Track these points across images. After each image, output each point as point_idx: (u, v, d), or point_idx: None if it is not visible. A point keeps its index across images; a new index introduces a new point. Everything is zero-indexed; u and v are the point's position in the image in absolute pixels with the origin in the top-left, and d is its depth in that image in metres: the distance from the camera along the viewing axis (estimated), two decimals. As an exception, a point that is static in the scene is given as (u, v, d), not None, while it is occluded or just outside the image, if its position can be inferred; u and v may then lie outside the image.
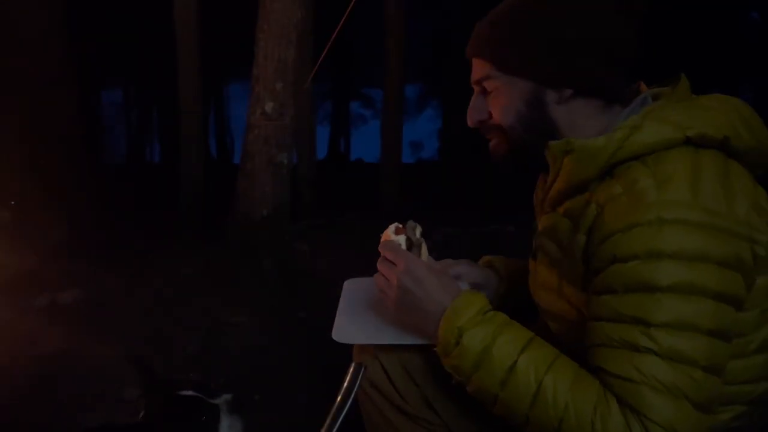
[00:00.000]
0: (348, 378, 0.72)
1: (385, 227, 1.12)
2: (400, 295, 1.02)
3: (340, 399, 0.71)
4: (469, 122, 1.09)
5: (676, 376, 0.80)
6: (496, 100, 1.03)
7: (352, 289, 1.37)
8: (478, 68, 1.05)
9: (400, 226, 1.12)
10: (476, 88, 1.07)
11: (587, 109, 1.01)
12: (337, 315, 1.23)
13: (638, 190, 0.86)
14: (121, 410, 2.15)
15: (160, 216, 6.21)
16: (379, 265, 1.07)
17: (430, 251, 1.13)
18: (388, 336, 1.12)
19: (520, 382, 0.88)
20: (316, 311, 3.21)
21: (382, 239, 1.10)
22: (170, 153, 13.87)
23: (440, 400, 1.11)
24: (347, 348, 1.14)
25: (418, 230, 1.11)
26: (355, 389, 0.71)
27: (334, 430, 0.68)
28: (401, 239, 1.09)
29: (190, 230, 5.31)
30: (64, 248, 4.36)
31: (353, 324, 1.18)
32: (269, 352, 2.76)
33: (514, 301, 1.28)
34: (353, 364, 0.74)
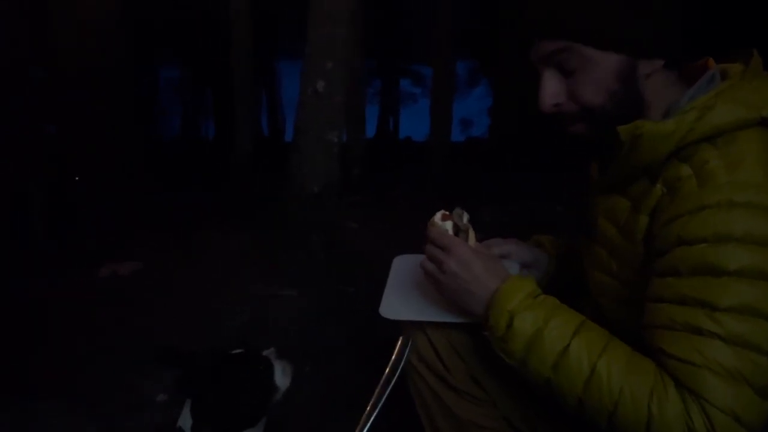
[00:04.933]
0: (396, 351, 0.74)
1: (434, 205, 1.13)
2: (447, 279, 1.02)
3: (388, 372, 0.73)
4: (544, 108, 0.99)
5: (739, 361, 0.79)
6: (583, 78, 0.94)
7: (400, 265, 1.38)
8: (551, 45, 0.95)
9: (447, 213, 1.11)
10: (545, 68, 0.98)
11: (667, 81, 0.97)
12: (385, 291, 1.24)
13: (708, 172, 0.85)
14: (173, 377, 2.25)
15: (213, 191, 6.38)
16: (426, 250, 1.07)
17: (479, 231, 1.12)
18: (435, 313, 1.12)
19: (572, 365, 0.87)
20: (364, 287, 3.26)
21: (428, 226, 1.09)
22: (224, 130, 14.15)
23: (486, 376, 1.11)
24: (394, 323, 1.16)
25: (465, 216, 1.11)
26: (402, 363, 0.72)
27: (382, 401, 0.69)
28: (448, 225, 1.09)
29: (242, 206, 5.44)
30: (122, 222, 4.56)
31: (401, 300, 1.19)
32: (318, 325, 2.82)
33: (563, 281, 1.27)
34: (401, 338, 0.75)
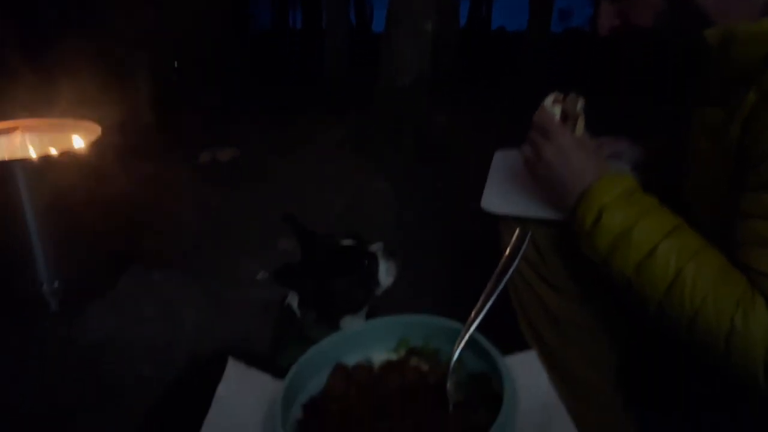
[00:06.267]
0: (512, 243, 0.73)
1: (529, 99, 1.07)
2: (543, 166, 1.00)
3: (505, 262, 0.72)
4: (602, 32, 1.00)
5: None
6: (631, 1, 0.94)
7: (502, 159, 1.36)
8: None
9: (561, 96, 1.03)
10: None
11: None
12: (486, 184, 1.23)
13: None
14: (279, 259, 2.40)
15: (305, 82, 6.42)
16: (529, 135, 1.03)
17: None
18: (537, 209, 1.10)
19: (657, 267, 0.84)
20: (452, 182, 3.27)
21: (539, 108, 1.03)
22: (312, 19, 13.99)
23: (584, 274, 1.08)
24: (481, 218, 1.15)
25: (580, 103, 1.02)
26: (520, 254, 0.71)
27: (497, 292, 0.70)
28: (556, 110, 1.02)
29: (334, 97, 5.46)
30: (219, 111, 4.72)
31: (503, 194, 1.18)
32: (408, 218, 2.88)
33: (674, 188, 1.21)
34: (518, 229, 0.74)
